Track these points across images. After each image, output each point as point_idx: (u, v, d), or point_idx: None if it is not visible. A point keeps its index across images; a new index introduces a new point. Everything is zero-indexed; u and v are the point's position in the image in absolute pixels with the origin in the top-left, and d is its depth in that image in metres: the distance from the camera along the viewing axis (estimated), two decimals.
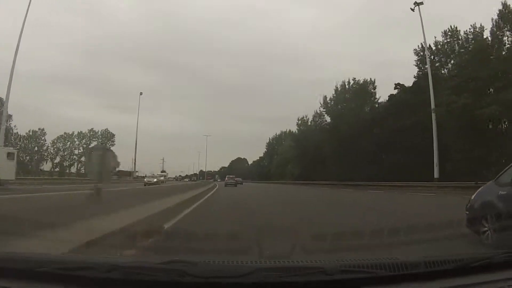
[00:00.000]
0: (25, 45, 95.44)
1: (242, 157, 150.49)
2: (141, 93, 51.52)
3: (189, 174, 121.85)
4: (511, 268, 1.92)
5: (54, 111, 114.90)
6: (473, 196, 6.49)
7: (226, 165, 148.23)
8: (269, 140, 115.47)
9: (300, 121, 75.30)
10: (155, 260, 1.91)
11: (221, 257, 2.81)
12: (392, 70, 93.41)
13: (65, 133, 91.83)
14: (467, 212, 6.31)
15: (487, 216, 5.66)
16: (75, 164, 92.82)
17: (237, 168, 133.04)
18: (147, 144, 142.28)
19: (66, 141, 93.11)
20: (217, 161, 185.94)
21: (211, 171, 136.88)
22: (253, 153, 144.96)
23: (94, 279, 1.68)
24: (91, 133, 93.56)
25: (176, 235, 6.12)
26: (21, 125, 79.36)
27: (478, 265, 1.91)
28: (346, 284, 1.73)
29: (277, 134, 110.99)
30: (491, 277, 1.85)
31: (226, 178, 54.87)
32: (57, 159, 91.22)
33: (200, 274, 1.68)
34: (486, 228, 5.61)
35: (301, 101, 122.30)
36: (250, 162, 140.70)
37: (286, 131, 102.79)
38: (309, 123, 70.14)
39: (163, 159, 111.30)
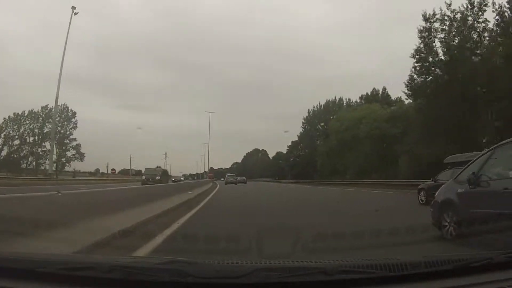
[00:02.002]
0: (36, 45, 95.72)
1: (260, 149, 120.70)
2: (73, 9, 33.92)
3: (199, 172, 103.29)
4: (511, 268, 1.92)
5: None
6: (437, 193, 6.76)
7: (240, 160, 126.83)
8: (308, 113, 73.22)
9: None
10: (155, 260, 1.91)
11: (221, 257, 2.81)
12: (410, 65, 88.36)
13: (14, 113, 68.10)
14: (431, 209, 6.60)
15: (447, 212, 5.97)
16: (28, 157, 68.59)
17: (254, 163, 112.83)
18: (157, 142, 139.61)
19: (16, 125, 68.67)
20: (230, 158, 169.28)
21: (222, 168, 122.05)
22: (272, 149, 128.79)
23: (95, 279, 1.68)
24: (46, 112, 67.70)
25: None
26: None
27: (478, 265, 1.91)
28: (347, 284, 1.73)
29: (321, 104, 70.99)
30: (491, 277, 1.85)
31: (226, 177, 55.58)
32: (5, 150, 67.59)
33: (200, 274, 1.69)
34: (447, 224, 5.88)
35: (318, 98, 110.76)
36: (272, 155, 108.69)
37: (334, 99, 68.98)
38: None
39: (165, 154, 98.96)
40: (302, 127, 75.68)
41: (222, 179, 67.12)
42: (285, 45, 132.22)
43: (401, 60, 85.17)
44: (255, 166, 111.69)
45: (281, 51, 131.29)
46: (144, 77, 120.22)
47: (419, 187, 16.30)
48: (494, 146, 6.11)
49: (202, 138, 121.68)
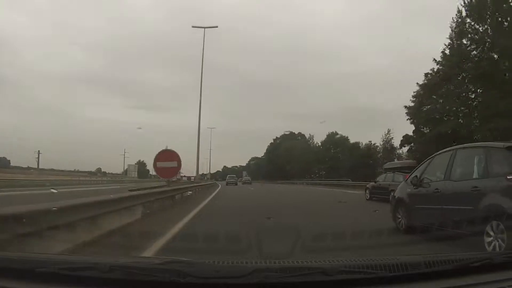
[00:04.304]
0: (51, 47, 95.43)
1: (296, 132, 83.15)
2: None
3: (212, 171, 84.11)
4: (511, 268, 1.92)
5: (78, 112, 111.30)
6: (395, 192, 8.13)
7: (263, 153, 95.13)
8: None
9: None
10: (155, 260, 1.91)
11: (221, 257, 2.81)
12: (424, 63, 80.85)
13: None
14: (390, 205, 8.04)
15: (400, 208, 7.38)
16: None
17: (287, 153, 72.50)
18: (170, 141, 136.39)
19: None
20: (247, 155, 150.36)
21: (237, 166, 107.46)
22: None
23: (94, 279, 1.68)
24: None
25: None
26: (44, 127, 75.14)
27: (478, 265, 1.91)
28: (346, 284, 1.74)
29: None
30: (491, 277, 1.85)
31: (227, 178, 55.37)
32: None
33: (200, 274, 1.69)
34: (400, 218, 7.27)
35: (329, 97, 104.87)
36: (319, 139, 71.73)
37: None
38: None
39: (166, 148, 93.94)
40: (454, 31, 29.77)
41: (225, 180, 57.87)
42: (299, 43, 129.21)
43: (413, 55, 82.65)
44: (290, 158, 70.97)
45: (295, 49, 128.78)
46: (158, 77, 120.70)
47: (366, 186, 20.39)
48: (434, 154, 7.40)
49: (217, 137, 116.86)
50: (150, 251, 4.80)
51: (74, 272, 1.70)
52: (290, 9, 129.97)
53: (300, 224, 7.12)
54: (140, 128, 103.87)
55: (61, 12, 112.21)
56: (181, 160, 13.15)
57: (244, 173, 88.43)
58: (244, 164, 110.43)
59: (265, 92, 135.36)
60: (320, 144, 70.94)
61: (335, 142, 66.86)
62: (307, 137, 79.33)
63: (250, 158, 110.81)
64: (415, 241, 5.87)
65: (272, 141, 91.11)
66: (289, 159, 71.33)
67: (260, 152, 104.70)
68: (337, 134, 67.50)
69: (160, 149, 13.25)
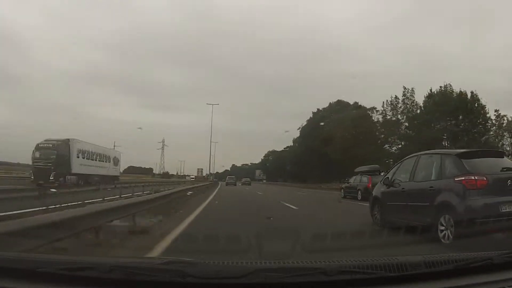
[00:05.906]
0: (52, 46, 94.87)
1: (352, 102, 52.26)
2: None
3: (219, 171, 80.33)
4: (511, 268, 1.92)
5: (78, 111, 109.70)
6: (373, 191, 9.20)
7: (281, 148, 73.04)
8: None
9: None
10: (155, 260, 1.91)
11: (222, 257, 2.81)
12: (439, 63, 76.78)
13: None
14: (369, 203, 9.06)
15: (376, 205, 8.44)
16: None
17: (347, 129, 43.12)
18: (177, 143, 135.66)
19: None
20: (260, 152, 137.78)
21: (247, 164, 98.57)
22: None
23: (95, 279, 1.68)
24: None
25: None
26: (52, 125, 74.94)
27: (478, 265, 1.91)
28: (347, 284, 1.73)
29: None
30: (492, 277, 1.85)
31: (227, 178, 57.01)
32: None
33: (201, 274, 1.69)
34: (376, 213, 8.36)
35: (338, 95, 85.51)
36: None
37: None
38: None
39: (163, 141, 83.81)
40: None
41: (226, 181, 52.98)
42: (310, 44, 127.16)
43: (416, 56, 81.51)
44: (350, 140, 42.27)
45: (308, 50, 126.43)
46: (159, 77, 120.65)
47: (340, 186, 25.25)
48: (403, 159, 8.55)
49: (224, 136, 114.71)
50: None
51: (74, 272, 1.70)
52: (296, 12, 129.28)
53: None
54: (140, 128, 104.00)
55: (59, 10, 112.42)
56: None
57: (258, 171, 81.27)
58: (257, 162, 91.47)
59: (274, 91, 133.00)
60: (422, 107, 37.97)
61: (452, 103, 34.11)
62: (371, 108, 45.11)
63: (266, 153, 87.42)
64: (415, 242, 5.91)
65: (311, 116, 57.84)
66: (349, 143, 41.23)
67: (276, 148, 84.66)
68: (452, 90, 35.45)
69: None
